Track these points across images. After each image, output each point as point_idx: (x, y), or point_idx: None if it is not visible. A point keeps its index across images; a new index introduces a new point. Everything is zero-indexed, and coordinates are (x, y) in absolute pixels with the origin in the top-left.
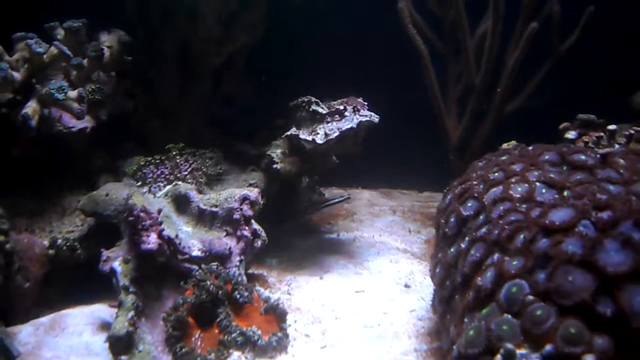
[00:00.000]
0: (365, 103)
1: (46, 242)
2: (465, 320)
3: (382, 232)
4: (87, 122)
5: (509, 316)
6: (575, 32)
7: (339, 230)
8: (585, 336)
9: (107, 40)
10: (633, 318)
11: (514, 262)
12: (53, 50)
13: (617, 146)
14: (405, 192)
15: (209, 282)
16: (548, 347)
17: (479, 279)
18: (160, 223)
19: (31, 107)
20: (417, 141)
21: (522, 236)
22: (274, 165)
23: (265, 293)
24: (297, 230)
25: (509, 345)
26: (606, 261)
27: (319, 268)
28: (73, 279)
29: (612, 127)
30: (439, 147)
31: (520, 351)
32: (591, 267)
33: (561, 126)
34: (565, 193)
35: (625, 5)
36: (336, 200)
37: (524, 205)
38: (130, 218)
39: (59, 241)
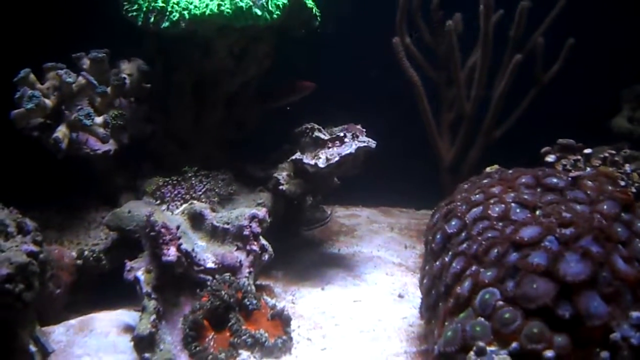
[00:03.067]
0: (364, 130)
1: (74, 253)
2: (446, 323)
3: (380, 247)
4: (110, 145)
5: (482, 319)
6: (557, 63)
7: (340, 246)
8: (546, 335)
9: (127, 69)
10: (588, 319)
11: (488, 273)
12: (81, 80)
13: (588, 169)
14: (404, 210)
15: (223, 291)
16: (514, 345)
17: (459, 288)
18: (179, 238)
19: (61, 131)
20: (415, 163)
21: (495, 250)
22: (280, 187)
23: (272, 301)
24: (301, 246)
25: (481, 343)
26: (566, 271)
27: (320, 280)
28: (98, 287)
29: (587, 150)
30: (434, 169)
31: (490, 348)
32: (553, 276)
33: (542, 150)
34: (537, 212)
35: (607, 30)
36: (321, 223)
37: (500, 224)
38: (152, 233)
39: (86, 253)
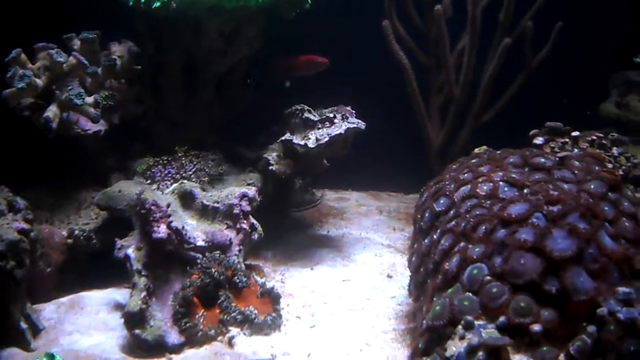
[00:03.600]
0: (354, 111)
1: (65, 233)
2: (434, 299)
3: (369, 229)
4: (101, 125)
5: (470, 294)
6: (546, 47)
7: (329, 228)
8: (533, 309)
9: (118, 51)
10: (574, 294)
11: (476, 249)
12: (72, 60)
13: (576, 150)
14: (392, 195)
15: (213, 269)
16: (502, 319)
17: (447, 264)
18: (169, 215)
19: (52, 111)
20: (404, 147)
21: (484, 227)
22: (270, 167)
23: (261, 280)
24: (290, 227)
25: (469, 317)
26: (553, 247)
27: (310, 260)
28: (89, 266)
29: (575, 133)
30: (423, 153)
31: (478, 322)
32: (540, 252)
33: (531, 133)
34: (525, 191)
35: (595, 16)
36: (312, 204)
37: (488, 202)
38: (143, 211)
39: (76, 232)
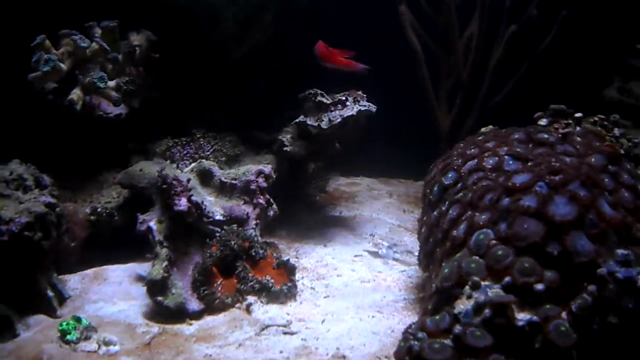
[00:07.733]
0: (365, 95)
1: (88, 210)
2: (443, 264)
3: (380, 211)
4: (122, 109)
5: (477, 257)
6: (550, 34)
7: (341, 209)
8: (537, 270)
9: (137, 39)
10: (575, 256)
11: (482, 216)
12: (94, 45)
13: (578, 129)
14: (402, 181)
15: (232, 241)
16: (507, 279)
17: (454, 231)
18: (190, 189)
19: (76, 94)
20: (414, 136)
21: (489, 196)
22: (285, 148)
23: (277, 255)
24: (303, 208)
25: (476, 278)
26: (555, 212)
27: (323, 238)
28: (110, 243)
29: (578, 114)
30: (433, 142)
31: (484, 283)
32: (542, 217)
33: (535, 115)
34: (528, 164)
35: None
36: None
37: (493, 174)
38: (164, 185)
39: (99, 209)
